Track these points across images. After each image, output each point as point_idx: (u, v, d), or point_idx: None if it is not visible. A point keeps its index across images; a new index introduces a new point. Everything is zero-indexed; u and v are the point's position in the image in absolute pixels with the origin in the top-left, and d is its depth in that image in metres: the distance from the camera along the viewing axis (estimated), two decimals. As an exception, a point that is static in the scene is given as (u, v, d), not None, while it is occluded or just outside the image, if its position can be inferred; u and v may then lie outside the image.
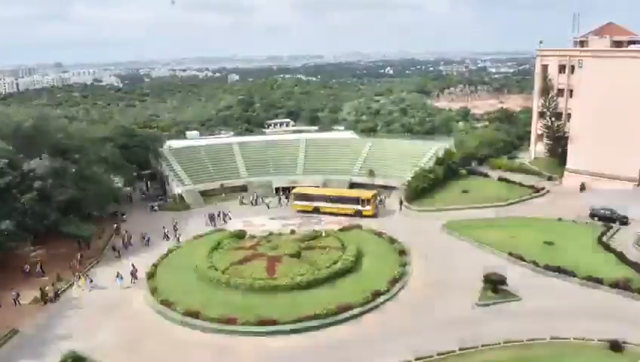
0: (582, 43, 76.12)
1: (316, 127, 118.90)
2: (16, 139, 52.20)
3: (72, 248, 51.43)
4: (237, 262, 45.01)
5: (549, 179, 68.64)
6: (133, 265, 46.15)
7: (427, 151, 75.42)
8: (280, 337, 35.50)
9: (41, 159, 50.24)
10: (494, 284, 39.79)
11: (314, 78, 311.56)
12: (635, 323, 34.37)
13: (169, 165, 74.77)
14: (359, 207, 61.07)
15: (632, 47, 66.88)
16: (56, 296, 43.07)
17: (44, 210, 47.90)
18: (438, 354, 32.25)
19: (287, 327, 36.09)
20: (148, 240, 55.00)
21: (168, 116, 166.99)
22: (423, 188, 65.04)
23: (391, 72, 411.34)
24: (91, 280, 45.42)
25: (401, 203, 63.86)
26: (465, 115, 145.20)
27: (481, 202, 61.29)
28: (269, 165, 78.66)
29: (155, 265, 46.97)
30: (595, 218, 53.78)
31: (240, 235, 53.48)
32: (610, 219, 52.82)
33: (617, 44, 71.56)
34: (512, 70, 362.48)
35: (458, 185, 67.97)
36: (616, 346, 31.47)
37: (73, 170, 53.72)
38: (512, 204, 60.87)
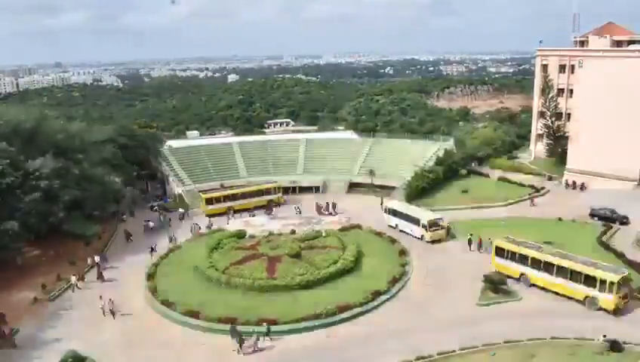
0: (582, 43, 76.24)
1: (316, 127, 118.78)
2: (15, 139, 52.07)
3: (70, 248, 51.34)
4: (237, 262, 44.97)
5: (549, 178, 68.65)
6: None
7: (427, 151, 75.35)
8: (280, 337, 35.47)
9: (45, 158, 50.29)
10: (494, 284, 39.84)
11: (314, 78, 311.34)
12: (635, 323, 34.42)
13: (169, 165, 74.80)
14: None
15: (632, 47, 66.97)
16: (101, 275, 45.98)
17: (50, 208, 48.01)
18: (439, 354, 32.26)
19: (287, 327, 36.09)
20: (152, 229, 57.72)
21: (168, 116, 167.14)
22: (423, 188, 65.02)
23: (391, 72, 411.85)
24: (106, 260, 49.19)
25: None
26: (465, 115, 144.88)
27: (481, 202, 61.30)
28: (269, 165, 78.65)
29: (155, 265, 47.00)
30: (595, 218, 53.82)
31: (240, 235, 53.42)
32: (610, 219, 52.88)
33: (617, 43, 71.67)
34: (512, 70, 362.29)
35: (458, 185, 67.97)
36: (616, 346, 31.46)
37: (76, 171, 53.66)
38: (512, 203, 60.92)
